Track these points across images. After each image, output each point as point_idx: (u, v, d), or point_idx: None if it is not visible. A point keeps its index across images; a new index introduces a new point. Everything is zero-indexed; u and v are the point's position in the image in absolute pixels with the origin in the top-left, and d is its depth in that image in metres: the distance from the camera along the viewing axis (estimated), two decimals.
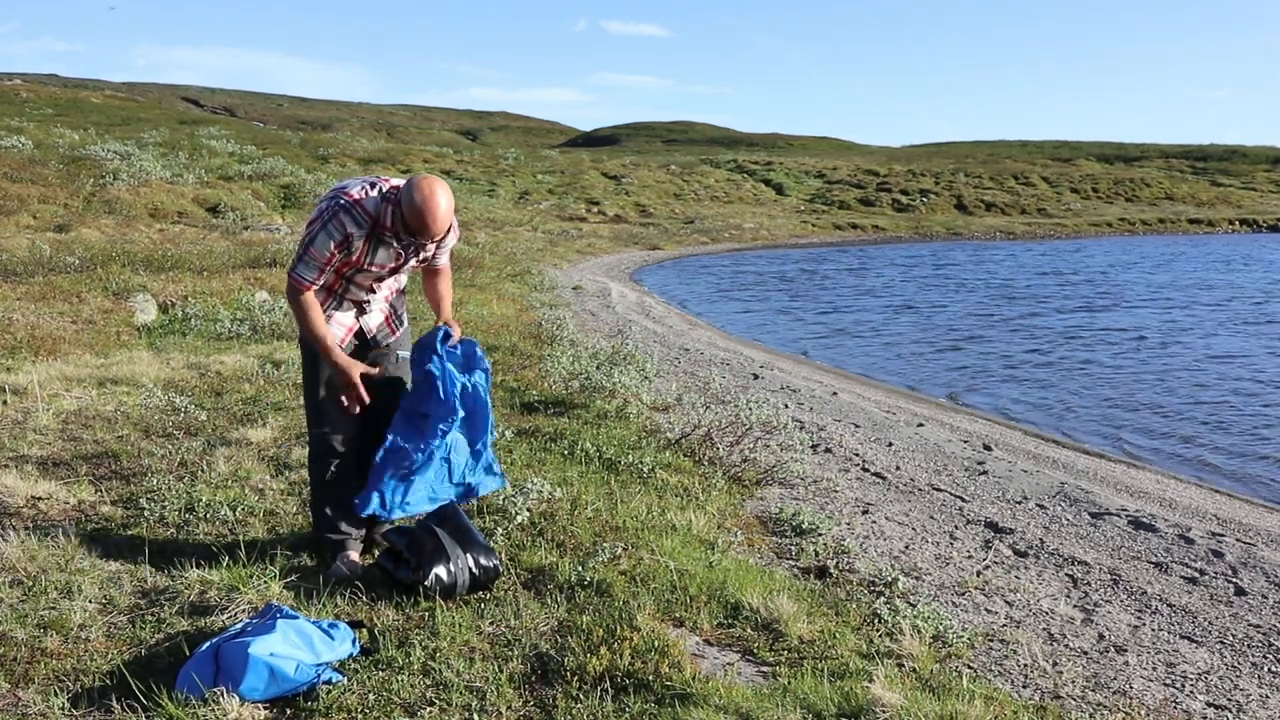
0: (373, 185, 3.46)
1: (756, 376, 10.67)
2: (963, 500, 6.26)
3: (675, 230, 37.81)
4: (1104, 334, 15.99)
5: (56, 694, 2.75)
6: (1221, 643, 4.23)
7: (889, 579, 4.36)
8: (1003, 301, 20.55)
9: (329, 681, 2.83)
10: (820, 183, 51.63)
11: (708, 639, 3.47)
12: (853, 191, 50.00)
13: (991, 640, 3.94)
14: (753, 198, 47.64)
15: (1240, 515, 6.52)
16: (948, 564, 4.97)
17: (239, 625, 3.01)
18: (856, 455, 7.22)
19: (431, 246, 3.63)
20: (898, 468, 6.97)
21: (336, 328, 3.63)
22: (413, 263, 3.66)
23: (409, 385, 3.79)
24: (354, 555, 3.75)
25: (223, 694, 2.68)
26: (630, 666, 3.00)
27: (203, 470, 4.79)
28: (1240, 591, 4.86)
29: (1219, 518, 6.35)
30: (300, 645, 2.85)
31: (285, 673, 2.75)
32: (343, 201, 3.40)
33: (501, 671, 2.99)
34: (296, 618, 2.98)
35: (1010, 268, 28.66)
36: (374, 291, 3.69)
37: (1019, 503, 6.32)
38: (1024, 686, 3.56)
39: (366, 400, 3.56)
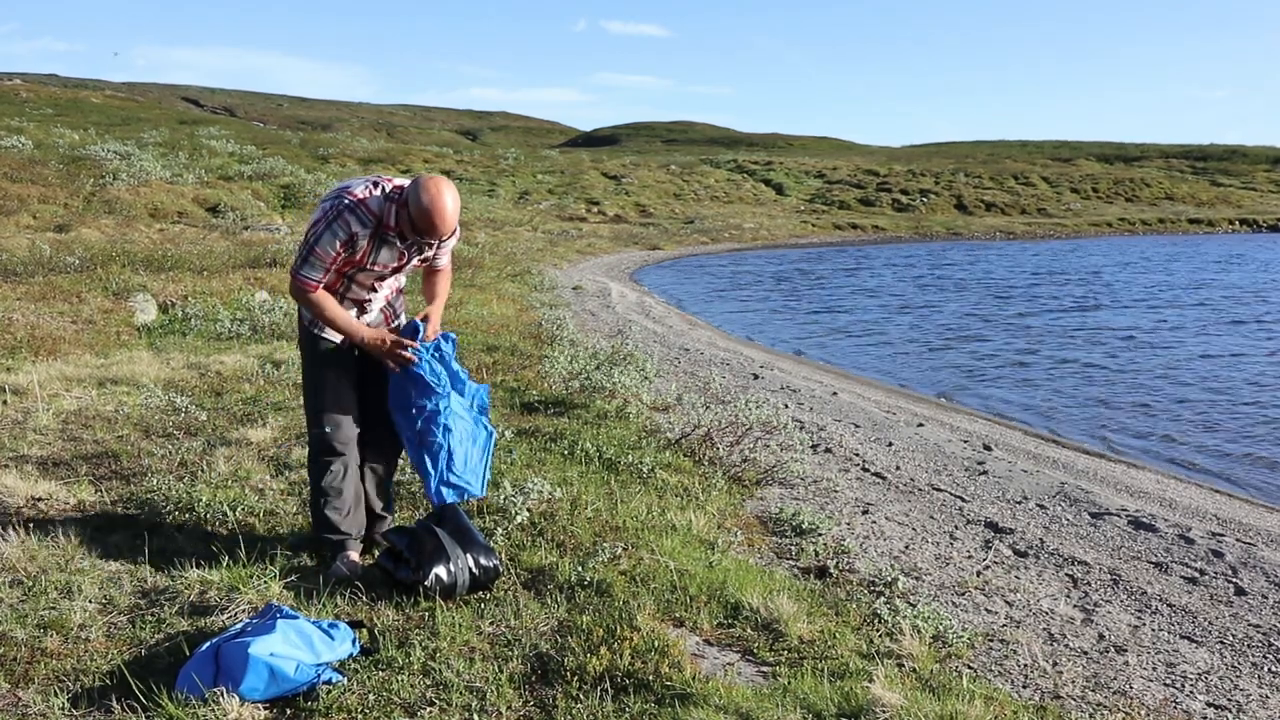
0: (376, 184, 3.46)
1: (756, 376, 10.67)
2: (963, 500, 6.26)
3: (675, 230, 37.82)
4: (1101, 334, 16.02)
5: (56, 694, 2.75)
6: (1221, 643, 4.23)
7: (889, 579, 4.36)
8: (1000, 301, 20.57)
9: (329, 681, 2.83)
10: (820, 183, 51.64)
11: (708, 639, 3.47)
12: (853, 191, 50.01)
13: (991, 640, 3.94)
14: (753, 198, 47.65)
15: (1240, 515, 6.52)
16: (948, 564, 4.97)
17: (239, 625, 3.01)
18: (856, 455, 7.22)
19: (433, 246, 3.63)
20: (898, 468, 6.97)
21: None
22: (415, 262, 3.67)
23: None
24: (354, 555, 3.75)
25: (223, 694, 2.68)
26: (630, 666, 3.00)
27: (203, 470, 4.79)
28: (1240, 591, 4.86)
29: (1219, 518, 6.35)
30: (300, 645, 2.85)
31: (285, 673, 2.75)
32: (347, 201, 3.40)
33: (501, 671, 2.99)
34: (296, 618, 2.98)
35: (1008, 268, 28.67)
36: (375, 291, 3.69)
37: (1019, 503, 6.32)
38: (1024, 686, 3.56)
39: (410, 358, 3.56)
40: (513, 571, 3.72)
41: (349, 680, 2.88)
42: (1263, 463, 8.44)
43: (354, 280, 3.60)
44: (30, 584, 3.41)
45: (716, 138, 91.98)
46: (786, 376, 11.02)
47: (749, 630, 3.52)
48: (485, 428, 3.77)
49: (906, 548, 5.15)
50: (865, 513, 5.71)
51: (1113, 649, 4.03)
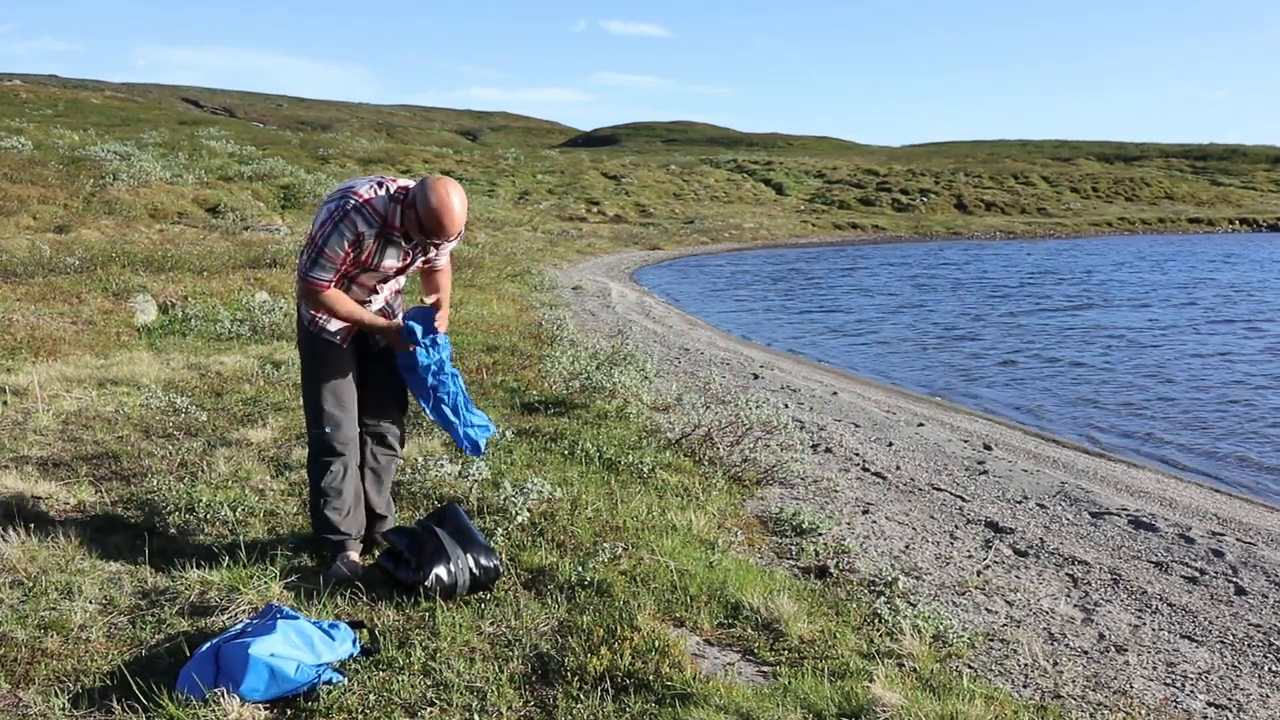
0: (380, 185, 3.46)
1: (756, 376, 10.67)
2: (963, 500, 6.26)
3: (675, 230, 37.82)
4: (1098, 332, 16.02)
5: (57, 694, 2.75)
6: (1222, 642, 4.23)
7: (889, 579, 4.36)
8: (997, 301, 20.56)
9: (329, 682, 2.83)
10: (820, 182, 51.63)
11: (708, 639, 3.47)
12: (853, 191, 50.00)
13: (992, 640, 3.94)
14: (753, 198, 47.65)
15: (1240, 515, 6.52)
16: (948, 564, 4.97)
17: (239, 626, 3.01)
18: (857, 455, 7.22)
19: (438, 247, 3.64)
20: (898, 467, 6.97)
21: (336, 327, 3.64)
22: (419, 262, 3.67)
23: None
24: (354, 555, 3.75)
25: (223, 694, 2.68)
26: (631, 666, 3.00)
27: (203, 471, 4.79)
28: (1240, 591, 4.86)
29: (1219, 517, 6.35)
30: (301, 646, 2.85)
31: (286, 673, 2.75)
32: (353, 202, 3.40)
33: (502, 671, 2.99)
34: (297, 618, 2.98)
35: (1007, 268, 28.67)
36: (376, 292, 3.69)
37: (1019, 502, 6.32)
38: (1024, 686, 3.56)
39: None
40: (513, 571, 3.73)
41: (349, 680, 2.88)
42: (1263, 462, 8.44)
43: (355, 281, 3.60)
44: (31, 584, 3.41)
45: (716, 138, 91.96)
46: (786, 376, 11.02)
47: (749, 630, 3.52)
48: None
49: (907, 547, 5.15)
50: (865, 512, 5.71)
51: (1113, 648, 4.03)
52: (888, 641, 3.58)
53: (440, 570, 3.43)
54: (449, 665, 2.99)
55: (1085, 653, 3.97)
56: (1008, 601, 4.48)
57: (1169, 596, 4.73)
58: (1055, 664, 3.79)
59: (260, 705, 2.73)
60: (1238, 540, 5.74)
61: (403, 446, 4.08)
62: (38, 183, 17.57)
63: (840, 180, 51.96)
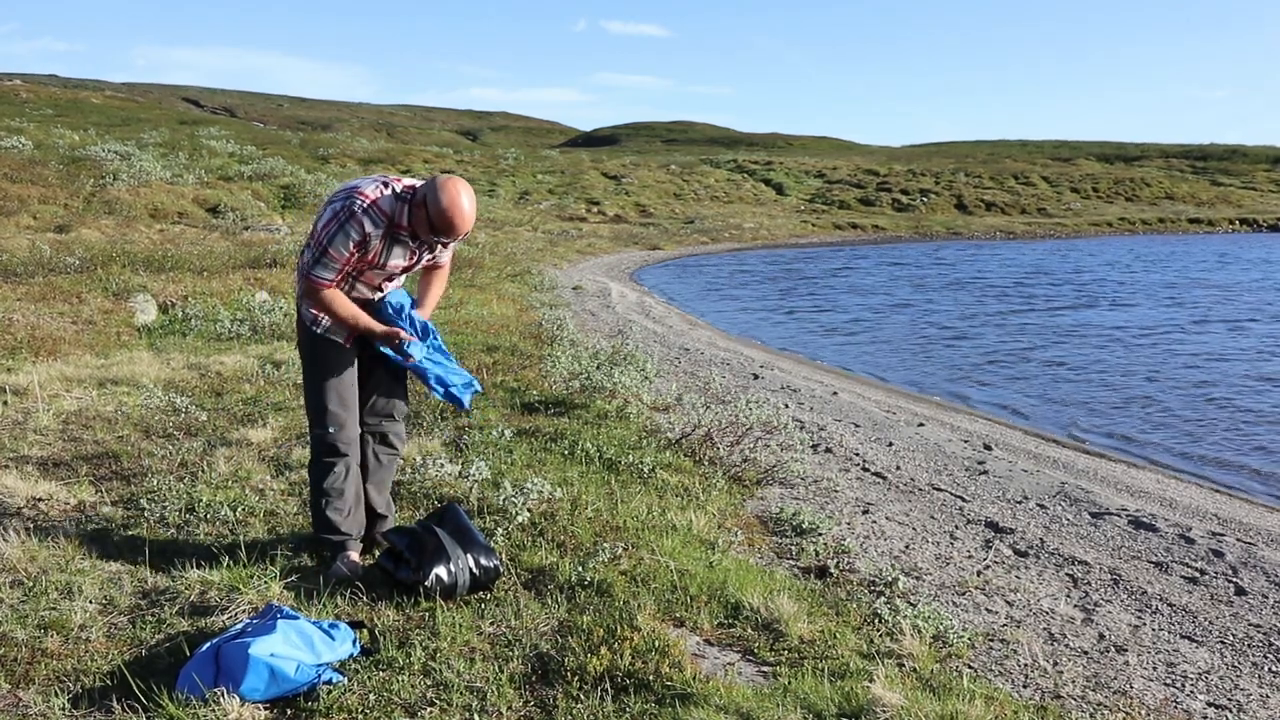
0: (385, 184, 3.46)
1: (756, 376, 10.67)
2: (963, 500, 6.26)
3: (675, 230, 37.81)
4: (1096, 332, 16.02)
5: (57, 694, 2.75)
6: (1222, 642, 4.23)
7: (889, 579, 4.36)
8: (995, 300, 20.57)
9: (329, 682, 2.83)
10: (820, 182, 51.63)
11: (708, 639, 3.47)
12: (853, 191, 50.00)
13: (992, 640, 3.94)
14: (753, 198, 47.65)
15: (1240, 515, 6.52)
16: (948, 564, 4.97)
17: (239, 626, 3.01)
18: (857, 455, 7.22)
19: (446, 246, 3.64)
20: (898, 467, 6.97)
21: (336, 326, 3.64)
22: (425, 260, 3.67)
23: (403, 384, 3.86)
24: (354, 555, 3.75)
25: (223, 694, 2.68)
26: (631, 666, 3.00)
27: (203, 471, 4.79)
28: (1240, 591, 4.86)
29: (1219, 517, 6.35)
30: (301, 646, 2.85)
31: (286, 673, 2.75)
32: (359, 203, 3.39)
33: (502, 671, 2.99)
34: (297, 618, 2.98)
35: (1006, 267, 28.68)
36: (380, 291, 3.69)
37: (1019, 502, 6.32)
38: (1024, 686, 3.56)
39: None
40: (513, 571, 3.72)
41: (349, 680, 2.88)
42: (1263, 462, 8.44)
43: (359, 279, 3.60)
44: (31, 584, 3.41)
45: (716, 138, 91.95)
46: (786, 376, 11.02)
47: (749, 630, 3.52)
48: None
49: (907, 547, 5.15)
50: (865, 512, 5.71)
51: (1113, 649, 4.03)
52: (888, 641, 3.58)
53: (440, 570, 3.43)
54: (449, 665, 2.99)
55: (1085, 653, 3.97)
56: (1008, 601, 4.48)
57: (1169, 597, 4.73)
58: (1055, 664, 3.79)
59: (260, 705, 2.73)
60: (1238, 540, 5.74)
61: (404, 445, 4.08)
62: (38, 182, 17.58)
63: (840, 180, 51.96)
